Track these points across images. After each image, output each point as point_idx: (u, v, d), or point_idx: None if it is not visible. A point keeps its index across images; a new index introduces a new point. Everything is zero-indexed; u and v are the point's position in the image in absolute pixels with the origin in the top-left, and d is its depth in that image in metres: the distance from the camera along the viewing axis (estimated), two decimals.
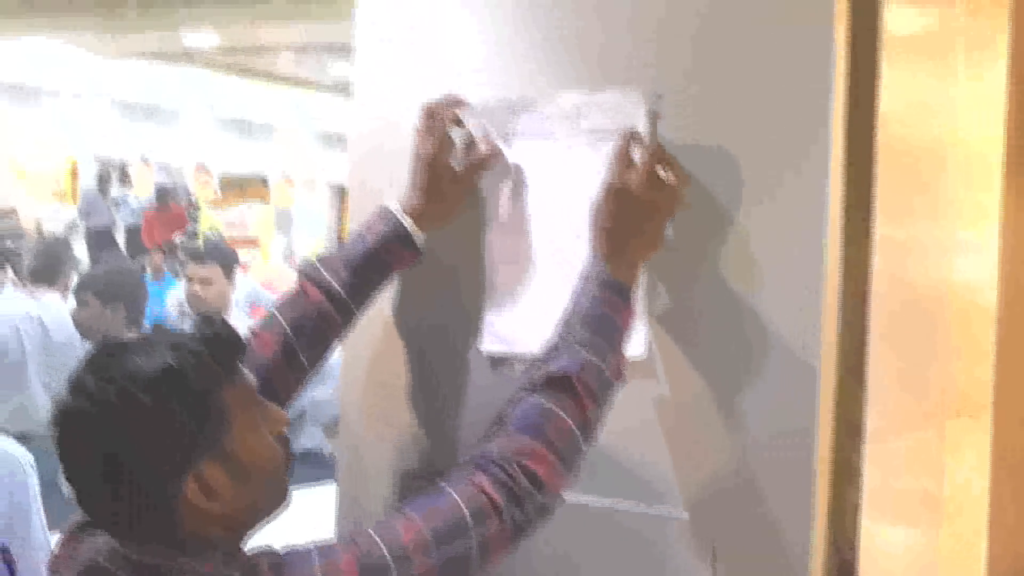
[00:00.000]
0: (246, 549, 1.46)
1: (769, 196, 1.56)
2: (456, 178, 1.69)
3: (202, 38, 7.81)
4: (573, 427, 1.47)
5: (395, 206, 1.69)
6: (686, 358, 1.61)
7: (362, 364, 1.86)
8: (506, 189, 1.73)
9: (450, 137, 1.69)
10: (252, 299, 6.56)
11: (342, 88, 10.75)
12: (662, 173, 1.54)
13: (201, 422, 1.41)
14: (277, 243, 13.37)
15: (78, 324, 4.51)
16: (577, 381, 1.48)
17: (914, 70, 1.55)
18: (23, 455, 2.34)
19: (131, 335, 1.49)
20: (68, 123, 11.54)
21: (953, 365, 1.82)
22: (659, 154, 1.55)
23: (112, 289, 4.42)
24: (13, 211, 10.34)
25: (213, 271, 5.14)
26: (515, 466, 1.44)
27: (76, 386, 1.43)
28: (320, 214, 15.67)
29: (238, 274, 5.65)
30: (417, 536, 1.41)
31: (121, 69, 10.21)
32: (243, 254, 8.85)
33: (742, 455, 1.56)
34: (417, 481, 1.75)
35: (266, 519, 1.49)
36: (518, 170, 1.72)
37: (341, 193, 15.80)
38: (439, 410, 1.79)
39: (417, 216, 1.69)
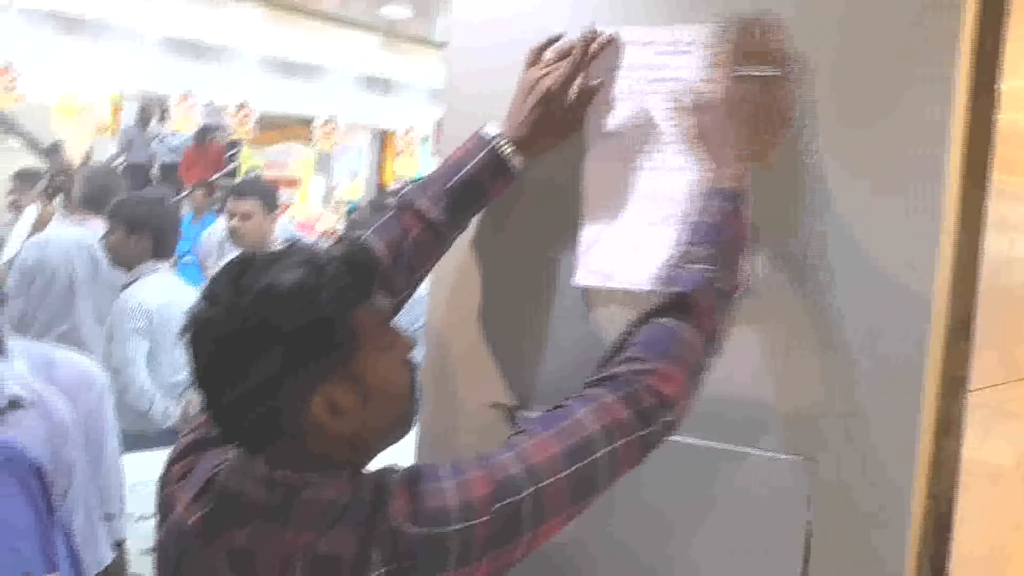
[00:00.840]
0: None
1: (889, 159, 1.55)
2: (562, 110, 1.70)
3: None
4: (695, 345, 1.48)
5: (494, 132, 1.69)
6: (798, 306, 1.61)
7: (449, 293, 1.87)
8: (606, 122, 1.72)
9: (559, 70, 1.70)
10: (287, 239, 6.61)
11: (390, 30, 10.76)
12: (744, 72, 1.55)
13: (330, 340, 1.41)
14: (317, 184, 13.45)
15: (107, 250, 4.58)
16: (695, 300, 1.48)
17: None
18: (100, 372, 2.35)
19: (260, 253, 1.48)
20: (114, 57, 11.56)
21: None
22: (734, 56, 1.56)
23: (139, 217, 4.47)
24: (61, 143, 10.41)
25: (253, 205, 5.21)
26: (642, 386, 1.44)
27: (212, 294, 1.44)
28: (360, 157, 15.75)
29: (278, 212, 5.70)
30: (548, 455, 1.42)
31: (170, 4, 10.17)
32: (282, 194, 8.91)
33: (848, 403, 1.57)
34: (498, 409, 1.77)
35: (394, 439, 1.50)
36: (619, 104, 1.71)
37: (381, 137, 15.88)
38: (526, 341, 1.79)
39: (518, 144, 1.69)
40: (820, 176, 1.57)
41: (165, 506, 1.59)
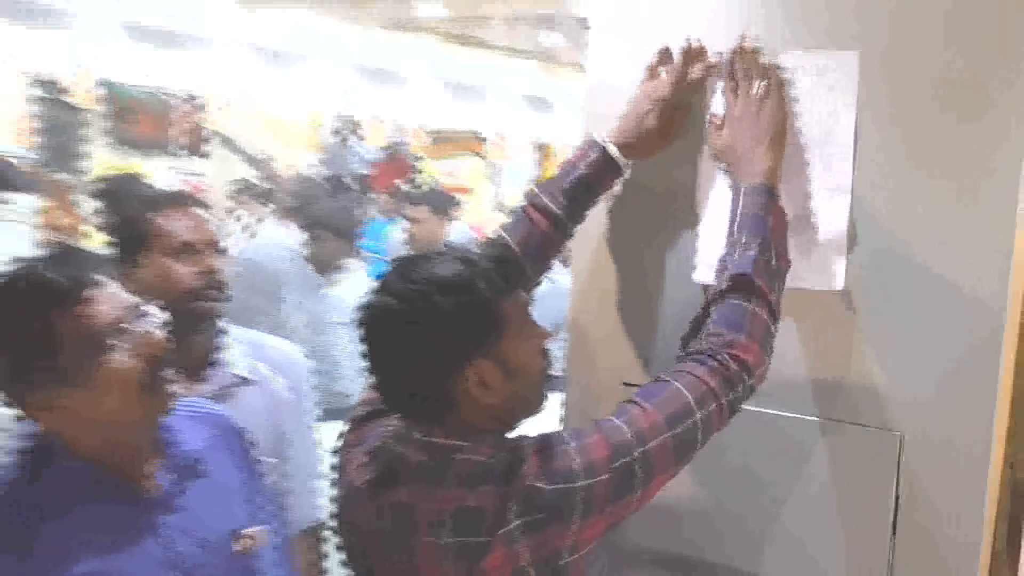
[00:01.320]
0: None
1: (972, 164, 1.53)
2: (663, 118, 1.71)
3: (431, 9, 7.91)
4: (763, 315, 1.53)
5: (600, 136, 1.73)
6: (882, 293, 1.60)
7: (586, 289, 1.88)
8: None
9: (676, 81, 1.71)
10: (462, 239, 6.71)
11: (547, 56, 10.78)
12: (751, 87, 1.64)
13: (482, 324, 1.48)
14: (488, 191, 13.54)
15: (308, 252, 4.66)
16: (754, 277, 1.53)
17: None
18: (302, 356, 2.42)
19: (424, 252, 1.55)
20: (315, 84, 11.85)
21: None
22: (739, 78, 1.65)
23: (336, 225, 4.56)
24: (272, 158, 10.70)
25: (423, 212, 5.27)
26: (725, 356, 1.49)
27: (384, 286, 1.51)
28: (525, 167, 15.80)
29: (453, 216, 5.76)
30: (653, 421, 1.46)
31: (361, 36, 10.37)
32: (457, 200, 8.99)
33: (931, 380, 1.55)
34: (628, 386, 1.79)
35: (530, 414, 1.55)
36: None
37: (542, 149, 15.89)
38: (652, 328, 1.81)
39: (623, 146, 1.72)
40: (910, 183, 1.57)
41: (340, 468, 1.65)
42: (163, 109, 11.74)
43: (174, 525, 1.57)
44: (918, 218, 1.56)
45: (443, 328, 1.47)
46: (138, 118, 12.01)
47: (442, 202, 5.51)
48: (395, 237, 7.78)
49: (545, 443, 1.48)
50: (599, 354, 1.86)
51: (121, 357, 1.51)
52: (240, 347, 2.18)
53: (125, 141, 11.76)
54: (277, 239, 5.48)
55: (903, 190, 1.57)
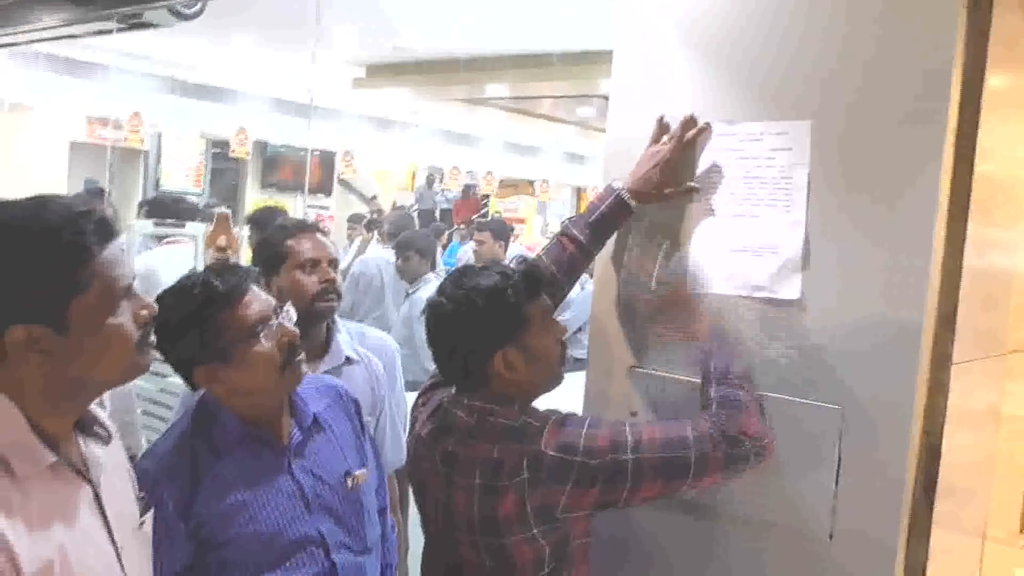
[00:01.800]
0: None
1: (895, 199, 1.50)
2: (667, 175, 1.70)
3: (497, 90, 7.93)
4: (757, 417, 1.51)
5: (618, 185, 1.72)
6: (831, 302, 1.58)
7: (609, 295, 1.87)
8: (711, 180, 1.71)
9: (668, 147, 1.70)
10: (519, 257, 6.72)
11: (583, 123, 10.74)
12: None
13: (509, 321, 1.48)
14: (537, 222, 13.55)
15: (399, 269, 4.69)
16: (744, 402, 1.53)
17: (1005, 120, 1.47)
18: (392, 341, 2.44)
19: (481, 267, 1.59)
20: (412, 143, 11.92)
21: (1015, 317, 1.71)
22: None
23: (420, 246, 4.60)
24: (376, 196, 10.78)
25: (487, 237, 5.30)
26: (729, 422, 1.47)
27: (442, 290, 1.52)
28: (564, 205, 15.78)
29: (511, 241, 5.78)
30: (652, 438, 1.45)
31: (446, 109, 10.42)
32: (514, 228, 9.05)
33: (861, 372, 1.52)
34: (639, 369, 1.77)
35: (547, 390, 1.55)
36: (716, 168, 1.70)
37: (577, 192, 15.84)
38: (653, 323, 1.79)
39: (633, 193, 1.72)
40: (848, 217, 1.55)
41: (413, 423, 1.69)
42: (300, 161, 11.90)
43: (302, 467, 1.59)
44: (852, 241, 1.53)
45: (478, 323, 1.50)
46: (281, 168, 12.17)
47: (502, 229, 5.54)
48: (467, 255, 7.82)
49: (565, 421, 1.49)
50: (614, 343, 1.85)
51: (265, 344, 1.53)
52: (348, 336, 2.20)
53: (271, 184, 11.92)
54: (380, 257, 5.54)
55: (842, 222, 1.55)
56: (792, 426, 1.58)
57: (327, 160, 11.78)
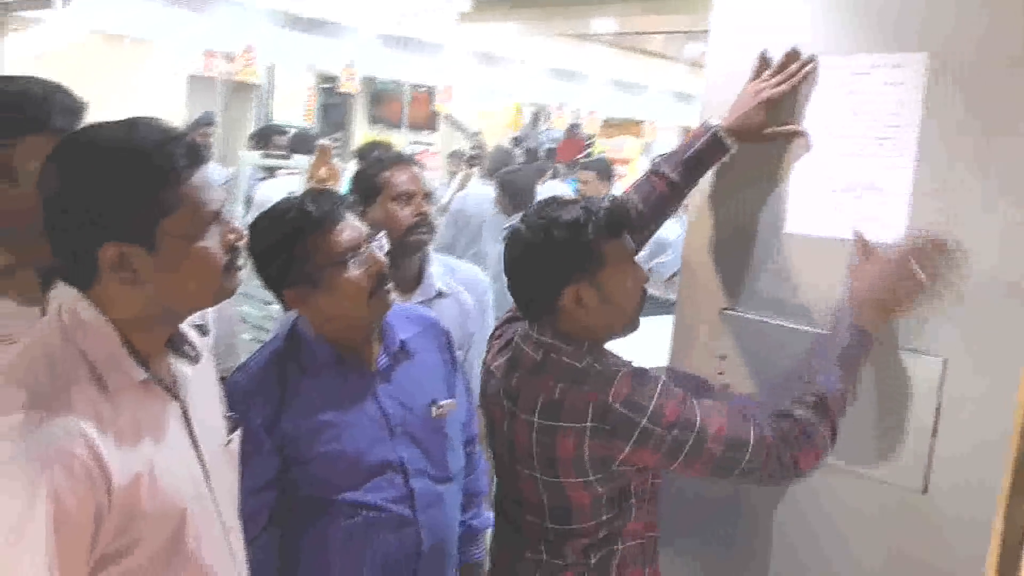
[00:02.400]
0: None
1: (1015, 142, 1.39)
2: (767, 113, 1.64)
3: (604, 25, 7.75)
4: (826, 436, 1.42)
5: (715, 123, 1.66)
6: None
7: (702, 236, 1.84)
8: (814, 117, 1.64)
9: (773, 84, 1.63)
10: (611, 196, 6.72)
11: (694, 62, 10.43)
12: (914, 268, 1.44)
13: (584, 256, 1.45)
14: (642, 163, 13.33)
15: (501, 204, 4.72)
16: (831, 402, 1.42)
17: None
18: (484, 276, 2.46)
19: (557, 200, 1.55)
20: (515, 80, 11.83)
21: None
22: (913, 253, 1.45)
23: (525, 182, 4.61)
24: (480, 133, 10.79)
25: (590, 176, 5.27)
26: (787, 451, 1.40)
27: (525, 218, 1.51)
28: (670, 145, 15.45)
29: (614, 182, 5.75)
30: (719, 430, 1.40)
31: (551, 45, 10.27)
32: (619, 169, 8.95)
33: (966, 322, 1.44)
34: (731, 312, 1.74)
35: (619, 335, 1.52)
36: (820, 105, 1.62)
37: (685, 133, 15.46)
38: (746, 266, 1.75)
39: (731, 131, 1.66)
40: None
41: (486, 356, 1.69)
42: (406, 97, 12.00)
43: (387, 393, 1.63)
44: (964, 185, 1.44)
45: (552, 253, 1.47)
46: (389, 103, 12.29)
47: (605, 169, 5.50)
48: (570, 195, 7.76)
49: (639, 378, 1.44)
50: (705, 284, 1.81)
51: (354, 272, 1.56)
52: (440, 270, 2.22)
53: (378, 120, 12.06)
54: (480, 193, 5.55)
55: (955, 165, 1.45)
56: (890, 375, 1.52)
57: (431, 96, 11.81)
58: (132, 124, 1.14)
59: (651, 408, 1.40)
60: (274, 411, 1.53)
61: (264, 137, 5.16)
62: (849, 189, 1.56)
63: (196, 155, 1.16)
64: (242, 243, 1.24)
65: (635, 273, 1.53)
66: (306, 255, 1.53)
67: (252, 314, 3.44)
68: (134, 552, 1.10)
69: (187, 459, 1.21)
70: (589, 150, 12.54)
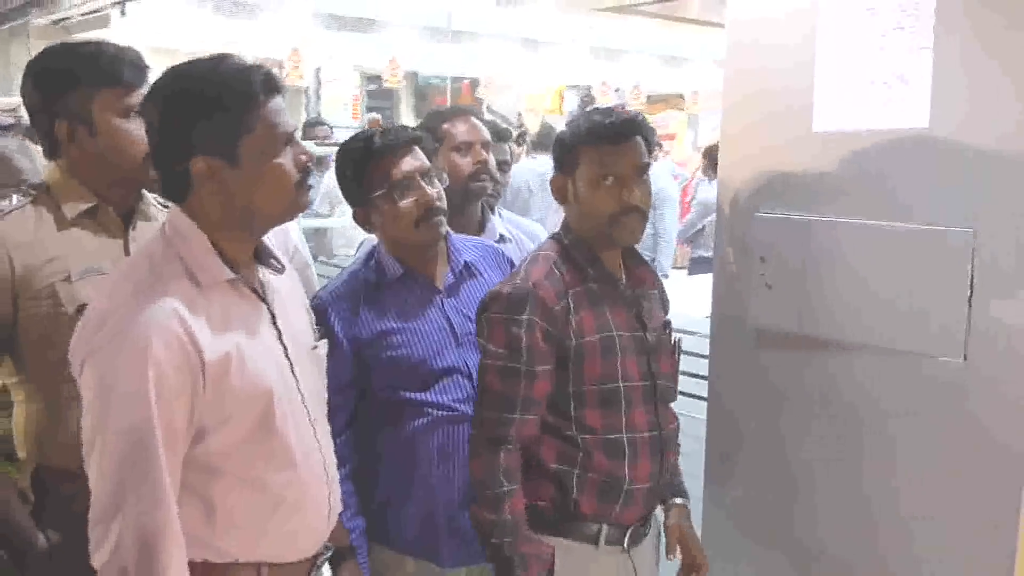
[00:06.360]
0: None
1: None
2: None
3: None
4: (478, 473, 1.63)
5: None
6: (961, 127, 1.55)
7: (735, 146, 1.90)
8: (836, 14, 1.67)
9: None
10: (670, 171, 6.85)
11: None
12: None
13: None
14: (689, 137, 13.28)
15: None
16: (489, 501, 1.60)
17: None
18: (542, 230, 2.57)
19: None
20: (556, 62, 11.90)
21: None
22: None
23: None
24: (521, 114, 10.88)
25: None
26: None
27: None
28: (717, 118, 15.30)
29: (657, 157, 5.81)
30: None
31: (589, 21, 10.31)
32: (665, 144, 9.04)
33: (994, 193, 1.50)
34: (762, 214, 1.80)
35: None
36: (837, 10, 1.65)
37: None
38: (783, 171, 1.80)
39: None
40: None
41: None
42: (448, 91, 12.18)
43: (452, 306, 1.78)
44: (982, 66, 1.50)
45: None
46: (433, 97, 12.49)
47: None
48: None
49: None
50: (739, 191, 1.87)
51: (403, 200, 1.71)
52: (504, 220, 2.39)
53: (422, 113, 12.27)
54: (528, 168, 5.69)
55: (970, 47, 1.52)
56: (921, 251, 1.59)
57: (475, 86, 11.96)
58: (219, 59, 1.32)
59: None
60: (350, 318, 1.70)
61: (307, 131, 5.59)
62: (876, 80, 1.63)
63: (272, 84, 1.34)
64: (312, 165, 1.39)
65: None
66: (367, 180, 1.69)
67: None
68: (229, 425, 1.27)
69: (274, 352, 1.37)
70: None
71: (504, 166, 2.70)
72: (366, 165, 1.71)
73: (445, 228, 1.77)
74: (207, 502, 1.28)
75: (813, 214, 1.74)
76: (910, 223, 1.61)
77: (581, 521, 1.61)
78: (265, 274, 1.42)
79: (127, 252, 1.64)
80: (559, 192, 1.66)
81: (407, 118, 12.24)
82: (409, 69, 11.25)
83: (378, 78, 11.04)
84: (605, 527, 1.61)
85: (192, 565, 1.25)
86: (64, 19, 8.81)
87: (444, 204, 1.75)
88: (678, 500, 1.75)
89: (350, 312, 1.70)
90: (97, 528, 1.20)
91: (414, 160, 1.73)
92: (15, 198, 1.71)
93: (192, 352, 1.22)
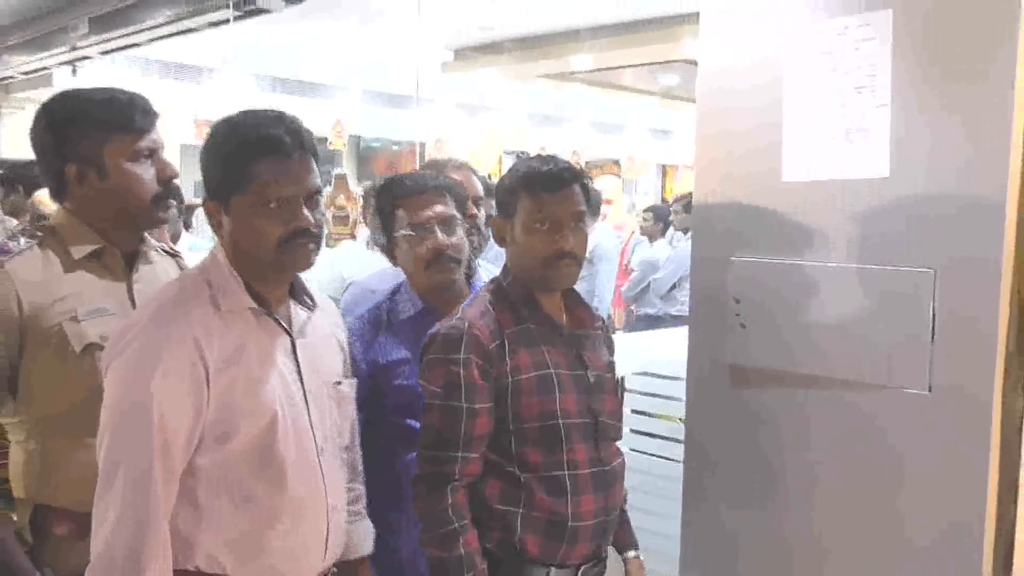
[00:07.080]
0: None
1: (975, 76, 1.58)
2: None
3: (582, 61, 8.06)
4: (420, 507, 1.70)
5: None
6: (919, 176, 1.67)
7: (711, 182, 1.99)
8: (800, 77, 1.79)
9: None
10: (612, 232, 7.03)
11: (668, 93, 10.74)
12: None
13: None
14: (624, 201, 13.60)
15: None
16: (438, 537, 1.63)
17: None
18: None
19: None
20: (498, 127, 12.14)
21: None
22: None
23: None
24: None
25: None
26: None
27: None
28: (651, 183, 15.71)
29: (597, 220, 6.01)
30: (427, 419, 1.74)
31: (529, 88, 10.58)
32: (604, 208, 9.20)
33: (951, 237, 1.64)
34: (738, 259, 1.90)
35: None
36: (804, 65, 1.78)
37: (663, 169, 15.77)
38: (756, 218, 1.91)
39: None
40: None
41: None
42: (393, 154, 12.27)
43: None
44: (936, 119, 1.63)
45: None
46: (375, 161, 12.58)
47: (595, 208, 5.70)
48: None
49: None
50: (713, 236, 1.96)
51: (416, 243, 1.89)
52: (484, 269, 2.43)
53: (366, 178, 12.35)
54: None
55: (926, 102, 1.64)
56: (886, 291, 1.70)
57: (416, 151, 12.07)
58: (231, 121, 1.46)
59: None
60: (367, 345, 1.77)
61: None
62: (839, 135, 1.76)
63: (268, 148, 1.42)
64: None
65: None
66: (390, 219, 1.81)
67: None
68: (233, 440, 1.35)
69: (287, 379, 1.43)
70: None
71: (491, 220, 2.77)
72: (390, 204, 1.82)
73: (458, 275, 1.87)
74: (197, 508, 1.35)
75: (785, 258, 1.85)
76: (875, 264, 1.71)
77: (529, 563, 1.60)
78: (297, 310, 1.50)
79: (131, 294, 1.66)
80: (498, 234, 1.69)
81: (350, 180, 12.28)
82: (353, 133, 11.35)
83: (323, 140, 11.10)
84: (553, 570, 1.61)
85: (185, 573, 1.32)
86: (7, 78, 8.72)
87: (459, 253, 1.84)
88: (631, 554, 1.79)
89: (371, 336, 1.83)
90: (98, 505, 1.29)
91: (437, 206, 1.83)
92: (22, 240, 1.74)
93: (200, 369, 1.31)
